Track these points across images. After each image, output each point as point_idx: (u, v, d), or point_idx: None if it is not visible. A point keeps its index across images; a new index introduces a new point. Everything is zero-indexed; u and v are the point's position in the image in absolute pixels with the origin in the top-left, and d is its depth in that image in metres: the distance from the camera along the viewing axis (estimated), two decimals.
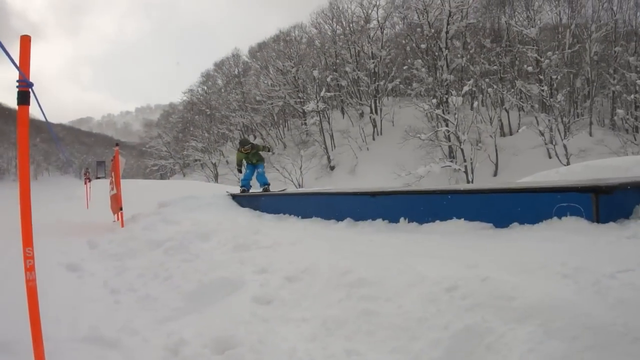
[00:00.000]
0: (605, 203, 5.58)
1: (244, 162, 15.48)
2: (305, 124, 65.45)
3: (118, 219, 12.24)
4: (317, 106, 57.88)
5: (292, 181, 50.78)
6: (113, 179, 13.66)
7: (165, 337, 4.40)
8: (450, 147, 47.65)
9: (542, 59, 49.01)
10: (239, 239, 7.64)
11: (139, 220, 11.33)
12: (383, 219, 7.94)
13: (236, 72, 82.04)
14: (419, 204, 7.58)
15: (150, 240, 8.55)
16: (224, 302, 5.11)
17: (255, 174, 15.38)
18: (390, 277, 4.40)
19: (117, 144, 13.58)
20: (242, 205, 12.75)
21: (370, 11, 65.05)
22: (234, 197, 14.22)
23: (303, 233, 8.06)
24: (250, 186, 15.55)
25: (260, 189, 15.19)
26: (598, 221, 5.50)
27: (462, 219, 6.68)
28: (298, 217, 10.35)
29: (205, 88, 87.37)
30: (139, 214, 11.96)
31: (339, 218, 8.90)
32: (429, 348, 3.32)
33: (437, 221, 6.97)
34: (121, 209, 12.05)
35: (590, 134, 49.60)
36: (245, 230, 8.53)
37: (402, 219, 7.58)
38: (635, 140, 43.94)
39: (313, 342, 3.85)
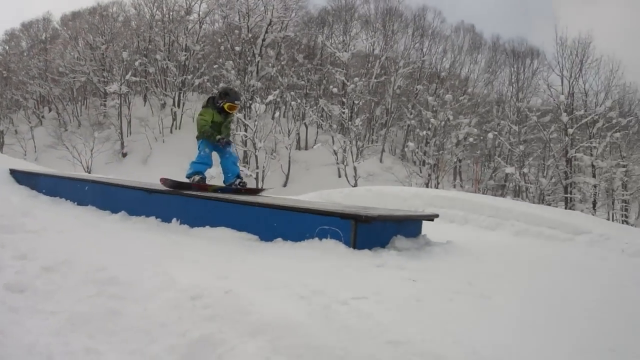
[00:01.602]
0: (363, 231, 5.97)
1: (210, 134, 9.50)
2: (105, 105, 63.26)
3: None
4: (120, 89, 56.23)
5: (81, 163, 48.91)
6: None
7: None
8: (245, 152, 47.99)
9: (349, 83, 50.75)
10: (4, 219, 7.17)
11: None
12: (157, 217, 7.97)
13: (43, 38, 77.56)
14: (193, 208, 7.69)
15: None
16: None
17: (223, 157, 9.83)
18: (143, 279, 4.44)
19: None
20: (20, 182, 11.91)
21: (192, 3, 64.26)
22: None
23: (74, 221, 7.85)
24: (205, 176, 9.77)
25: (231, 182, 9.77)
26: (355, 247, 5.89)
27: (231, 228, 6.85)
28: (74, 203, 9.99)
29: (7, 48, 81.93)
30: None
31: (115, 210, 8.73)
32: (165, 353, 3.39)
33: (208, 227, 7.10)
34: None
35: (381, 161, 52.15)
36: (15, 210, 8.08)
37: (174, 220, 7.65)
38: (421, 172, 46.52)
39: (56, 337, 3.75)
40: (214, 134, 9.41)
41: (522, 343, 3.63)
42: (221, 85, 45.80)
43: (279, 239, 6.32)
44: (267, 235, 6.49)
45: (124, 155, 55.51)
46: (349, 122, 46.89)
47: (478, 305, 4.39)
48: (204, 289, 4.03)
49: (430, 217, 7.61)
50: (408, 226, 6.97)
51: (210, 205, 7.50)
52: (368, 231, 6.02)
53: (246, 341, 3.34)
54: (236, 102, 9.52)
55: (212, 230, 6.94)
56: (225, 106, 9.37)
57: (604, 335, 4.11)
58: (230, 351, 3.28)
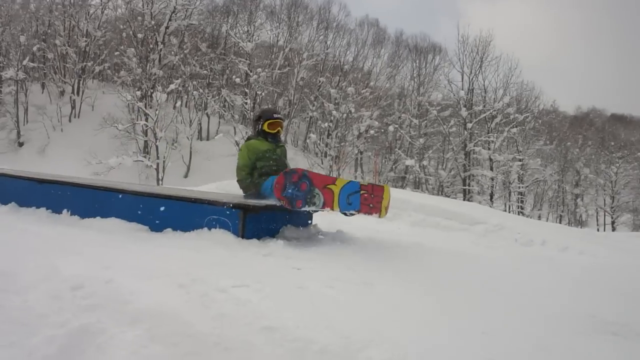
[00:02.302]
0: (251, 221, 6.08)
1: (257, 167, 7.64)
2: (1, 91, 61.09)
3: None
4: (17, 75, 54.37)
5: None
6: None
7: None
8: (146, 142, 47.20)
9: (252, 74, 50.55)
10: None
11: None
12: (47, 208, 7.79)
13: None
14: (83, 198, 7.59)
15: None
16: None
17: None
18: (26, 270, 4.36)
19: None
20: None
21: None
22: None
23: None
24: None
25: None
26: (243, 237, 5.99)
27: (122, 219, 6.83)
28: None
29: None
30: None
31: (4, 202, 8.50)
32: (43, 344, 3.37)
33: (99, 217, 7.03)
34: None
35: None
36: None
37: (65, 211, 7.51)
38: (322, 163, 46.84)
39: None
40: (245, 181, 7.77)
41: (397, 327, 3.81)
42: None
43: (169, 230, 6.36)
44: (157, 225, 6.51)
45: (21, 144, 53.64)
46: (251, 113, 46.79)
47: (358, 292, 4.56)
48: (85, 279, 4.02)
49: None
50: (298, 216, 7.10)
51: (101, 196, 7.42)
52: (257, 221, 6.14)
53: (125, 330, 3.39)
54: (275, 115, 7.81)
55: (102, 221, 6.89)
56: (265, 127, 7.65)
57: (479, 319, 4.35)
58: (109, 340, 3.32)
